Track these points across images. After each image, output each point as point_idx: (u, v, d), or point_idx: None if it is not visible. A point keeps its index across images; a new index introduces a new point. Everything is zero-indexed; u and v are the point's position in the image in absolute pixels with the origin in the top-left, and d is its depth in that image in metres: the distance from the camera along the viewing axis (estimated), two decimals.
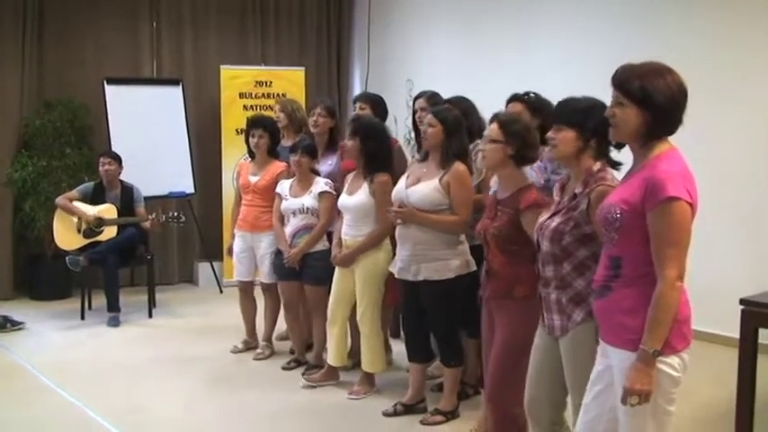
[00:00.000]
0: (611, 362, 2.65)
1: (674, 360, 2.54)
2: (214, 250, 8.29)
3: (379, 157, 4.82)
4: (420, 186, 4.39)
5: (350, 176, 5.01)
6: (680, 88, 2.55)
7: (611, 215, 2.59)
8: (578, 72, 6.38)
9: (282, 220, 5.47)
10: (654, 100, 2.52)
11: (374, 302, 4.90)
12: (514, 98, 4.38)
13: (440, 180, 4.33)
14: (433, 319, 4.49)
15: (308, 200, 5.31)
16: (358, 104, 5.54)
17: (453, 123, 4.39)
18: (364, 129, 4.83)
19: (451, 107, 4.61)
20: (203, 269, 8.48)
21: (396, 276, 4.56)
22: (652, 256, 2.51)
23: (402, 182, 4.53)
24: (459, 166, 4.32)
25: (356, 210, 4.84)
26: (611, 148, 2.97)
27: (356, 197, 4.83)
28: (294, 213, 5.36)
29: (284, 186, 5.47)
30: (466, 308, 4.40)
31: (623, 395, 2.51)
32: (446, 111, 4.50)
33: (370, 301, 4.88)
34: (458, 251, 4.35)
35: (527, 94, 4.38)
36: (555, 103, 3.24)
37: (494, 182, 3.94)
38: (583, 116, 2.99)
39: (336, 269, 5.01)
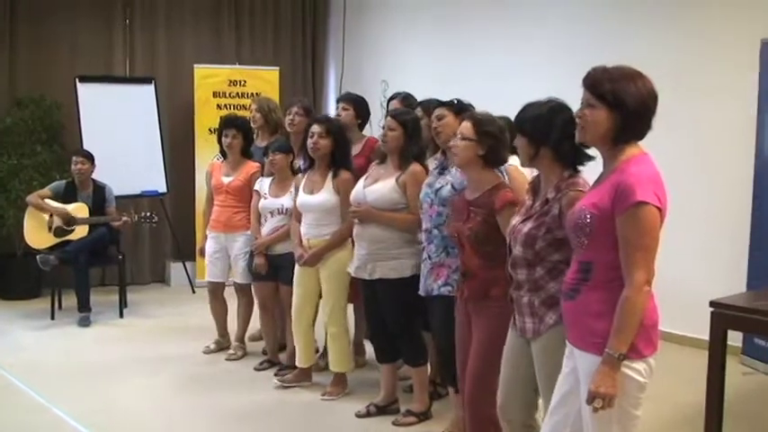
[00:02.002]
0: (577, 364, 2.66)
1: (640, 365, 2.55)
2: (186, 250, 8.23)
3: (345, 157, 4.90)
4: (377, 186, 4.45)
5: (300, 176, 5.03)
6: (650, 93, 2.57)
7: (581, 220, 2.61)
8: (551, 73, 6.39)
9: (260, 218, 5.46)
10: (624, 103, 2.53)
11: (341, 302, 4.92)
12: (440, 104, 4.41)
13: (396, 180, 4.40)
14: (390, 318, 4.51)
15: (287, 201, 5.28)
16: (341, 105, 5.50)
17: (413, 126, 4.46)
18: (337, 129, 4.89)
19: (410, 110, 4.68)
20: (175, 269, 8.44)
21: (352, 275, 4.59)
22: (620, 260, 2.52)
23: (360, 182, 4.57)
24: (415, 167, 4.39)
25: (320, 208, 4.84)
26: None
27: (319, 196, 4.84)
28: (272, 213, 5.34)
29: (264, 185, 5.46)
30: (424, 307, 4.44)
31: (587, 398, 2.53)
32: (405, 113, 4.57)
33: (337, 300, 4.89)
34: (414, 250, 4.37)
35: (453, 100, 4.41)
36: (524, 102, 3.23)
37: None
38: (531, 125, 3.00)
39: (298, 270, 5.00)
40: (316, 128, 4.83)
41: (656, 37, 6.12)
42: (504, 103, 4.40)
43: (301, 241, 4.94)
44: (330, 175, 4.84)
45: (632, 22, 6.30)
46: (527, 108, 3.08)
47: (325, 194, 4.81)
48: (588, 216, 2.58)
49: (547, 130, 2.96)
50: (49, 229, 6.81)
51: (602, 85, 2.56)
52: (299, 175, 5.08)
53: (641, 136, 2.61)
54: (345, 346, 5.01)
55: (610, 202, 2.53)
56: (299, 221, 4.98)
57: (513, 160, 3.65)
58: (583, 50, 6.25)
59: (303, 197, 4.91)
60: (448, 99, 4.47)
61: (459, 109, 4.16)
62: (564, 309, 2.76)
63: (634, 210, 2.48)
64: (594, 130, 2.60)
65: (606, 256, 2.57)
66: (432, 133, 4.28)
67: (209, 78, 8.45)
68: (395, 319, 4.48)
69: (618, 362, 2.49)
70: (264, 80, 8.57)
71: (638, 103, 2.54)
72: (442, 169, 4.09)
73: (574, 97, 2.91)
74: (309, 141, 4.83)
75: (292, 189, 5.28)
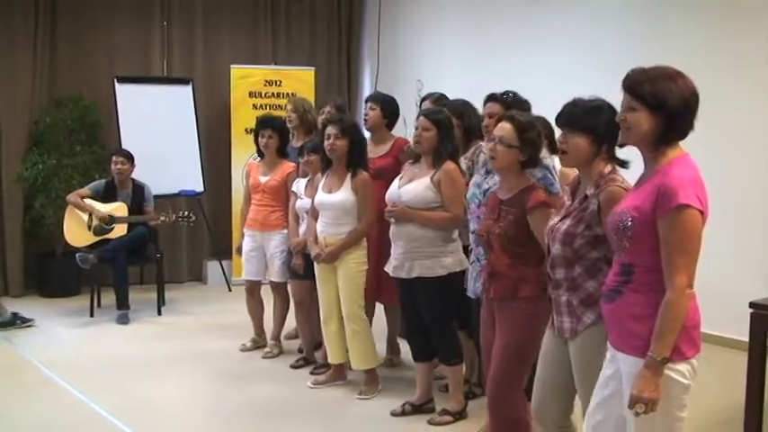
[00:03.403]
0: (620, 367, 2.65)
1: (683, 367, 2.53)
2: (223, 249, 8.32)
3: (361, 156, 4.93)
4: (412, 186, 4.45)
5: (319, 176, 5.07)
6: (692, 92, 2.54)
7: (622, 222, 2.58)
8: (585, 72, 6.38)
9: (298, 219, 5.50)
10: (665, 104, 2.51)
11: (359, 300, 4.93)
12: (492, 98, 4.36)
13: (431, 178, 4.38)
14: (427, 316, 4.51)
15: None
16: (369, 104, 5.52)
17: (447, 125, 4.45)
18: (352, 129, 4.93)
19: (442, 109, 4.66)
20: (212, 268, 8.50)
21: (391, 275, 4.59)
22: (662, 263, 2.50)
23: (395, 182, 4.58)
24: (449, 165, 4.38)
25: (338, 207, 4.87)
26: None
27: (338, 195, 4.86)
28: (308, 212, 5.37)
29: (300, 185, 5.50)
30: (460, 306, 4.44)
31: (630, 402, 2.51)
32: (438, 112, 4.56)
33: (354, 299, 4.91)
34: (450, 249, 4.40)
35: (505, 93, 4.36)
36: (561, 102, 3.19)
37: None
38: (595, 120, 2.94)
39: (319, 269, 5.03)
40: (331, 129, 4.87)
41: (689, 36, 6.04)
42: (539, 104, 4.40)
43: (316, 239, 4.97)
44: (348, 174, 4.87)
45: (670, 21, 6.23)
46: (576, 104, 3.01)
47: (344, 194, 4.84)
48: (630, 219, 2.56)
49: (606, 128, 2.90)
50: (89, 227, 6.90)
51: (642, 86, 2.53)
52: (319, 174, 5.11)
53: (683, 136, 2.58)
54: (368, 343, 5.02)
55: (651, 205, 2.51)
56: (316, 219, 5.02)
57: (556, 161, 3.60)
58: (617, 49, 6.24)
59: (321, 196, 4.94)
60: (482, 98, 4.46)
61: (513, 105, 4.12)
62: (604, 311, 2.74)
63: (676, 213, 2.46)
64: (637, 133, 2.57)
65: (648, 259, 2.55)
66: (484, 131, 4.25)
67: (246, 78, 8.50)
68: (433, 318, 4.48)
69: (661, 365, 2.47)
70: (300, 80, 8.60)
71: (679, 103, 2.51)
72: (491, 168, 4.06)
73: (608, 96, 2.91)
74: (326, 143, 4.87)
75: None
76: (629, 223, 2.56)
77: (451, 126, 4.47)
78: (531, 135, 3.52)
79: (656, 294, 2.51)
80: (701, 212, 2.48)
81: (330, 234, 4.90)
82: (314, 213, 5.07)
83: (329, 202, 4.89)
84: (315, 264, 5.03)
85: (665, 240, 2.48)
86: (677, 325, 2.48)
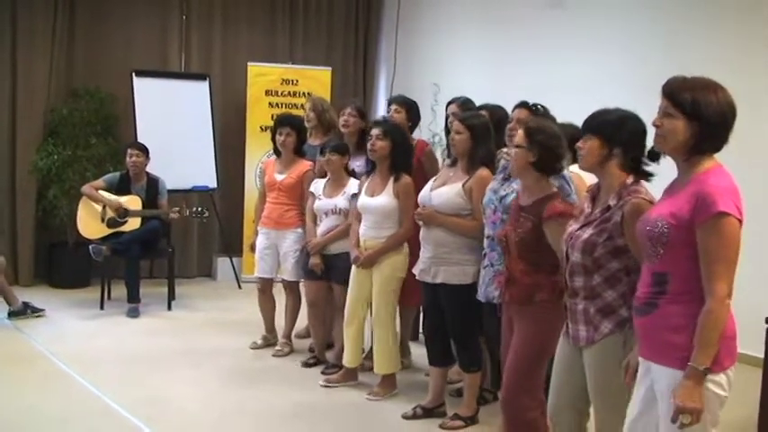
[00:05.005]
0: (655, 380, 2.63)
1: (722, 378, 2.53)
2: (234, 245, 8.34)
3: (405, 160, 4.91)
4: (443, 189, 4.43)
5: (364, 178, 5.07)
6: (730, 106, 2.55)
7: (657, 229, 2.57)
8: (605, 76, 6.36)
9: (315, 219, 5.50)
10: (703, 113, 2.51)
11: (391, 305, 4.94)
12: (522, 105, 4.36)
13: (463, 185, 4.37)
14: (450, 323, 4.50)
15: (341, 201, 5.32)
16: (393, 107, 5.49)
17: (481, 130, 4.41)
18: (395, 131, 4.91)
19: (480, 114, 4.62)
20: (222, 264, 8.52)
21: (417, 278, 4.58)
22: (701, 271, 2.49)
23: (429, 184, 4.57)
24: (482, 172, 4.35)
25: (379, 211, 4.87)
26: (645, 160, 2.95)
27: (379, 198, 4.86)
28: (327, 214, 5.38)
29: (318, 186, 5.50)
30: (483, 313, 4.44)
31: (674, 414, 2.47)
32: (474, 117, 4.51)
33: (386, 303, 4.91)
34: (478, 257, 4.35)
35: (534, 105, 4.35)
36: (580, 112, 3.20)
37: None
38: (606, 125, 2.98)
39: (354, 271, 5.03)
40: (374, 130, 4.88)
41: (721, 48, 5.99)
42: (559, 109, 4.39)
43: (358, 242, 4.97)
44: (391, 178, 4.87)
45: (688, 33, 6.20)
46: (600, 112, 3.05)
47: (385, 198, 4.84)
48: (666, 226, 2.55)
49: (620, 133, 2.95)
50: (102, 219, 6.92)
51: (681, 93, 2.54)
52: (364, 177, 5.12)
53: (717, 149, 2.59)
54: (392, 349, 5.02)
55: (689, 212, 2.50)
56: (360, 222, 5.02)
57: (574, 168, 3.63)
58: (636, 59, 6.22)
59: (363, 199, 4.94)
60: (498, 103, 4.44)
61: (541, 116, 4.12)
62: (637, 324, 2.72)
63: (715, 220, 2.46)
64: (672, 140, 2.58)
65: (684, 267, 2.54)
66: (507, 135, 4.24)
67: (263, 77, 8.51)
68: (455, 324, 4.47)
69: (703, 376, 2.46)
70: (316, 80, 8.61)
71: (716, 115, 2.52)
72: (508, 175, 4.07)
73: (626, 106, 2.91)
74: (369, 143, 4.88)
75: (346, 189, 5.31)
76: (665, 230, 2.55)
77: (487, 131, 4.43)
78: (539, 138, 3.52)
79: (692, 304, 2.51)
80: (740, 221, 2.49)
81: (371, 237, 4.91)
82: (357, 216, 5.06)
83: (370, 205, 4.90)
84: (353, 266, 5.02)
85: (704, 249, 2.48)
86: (717, 334, 2.46)
